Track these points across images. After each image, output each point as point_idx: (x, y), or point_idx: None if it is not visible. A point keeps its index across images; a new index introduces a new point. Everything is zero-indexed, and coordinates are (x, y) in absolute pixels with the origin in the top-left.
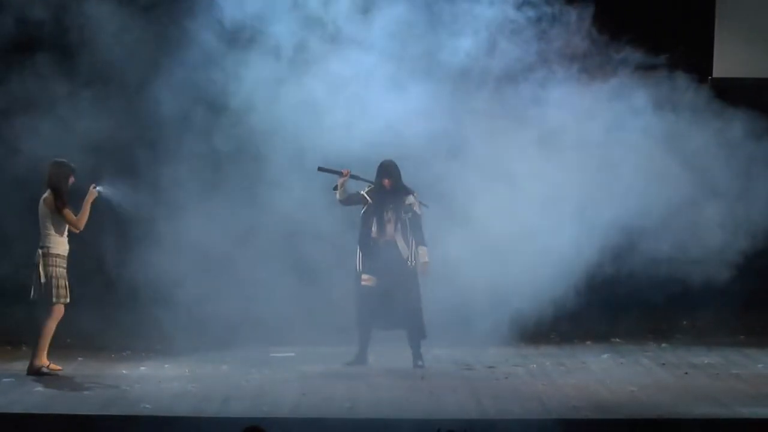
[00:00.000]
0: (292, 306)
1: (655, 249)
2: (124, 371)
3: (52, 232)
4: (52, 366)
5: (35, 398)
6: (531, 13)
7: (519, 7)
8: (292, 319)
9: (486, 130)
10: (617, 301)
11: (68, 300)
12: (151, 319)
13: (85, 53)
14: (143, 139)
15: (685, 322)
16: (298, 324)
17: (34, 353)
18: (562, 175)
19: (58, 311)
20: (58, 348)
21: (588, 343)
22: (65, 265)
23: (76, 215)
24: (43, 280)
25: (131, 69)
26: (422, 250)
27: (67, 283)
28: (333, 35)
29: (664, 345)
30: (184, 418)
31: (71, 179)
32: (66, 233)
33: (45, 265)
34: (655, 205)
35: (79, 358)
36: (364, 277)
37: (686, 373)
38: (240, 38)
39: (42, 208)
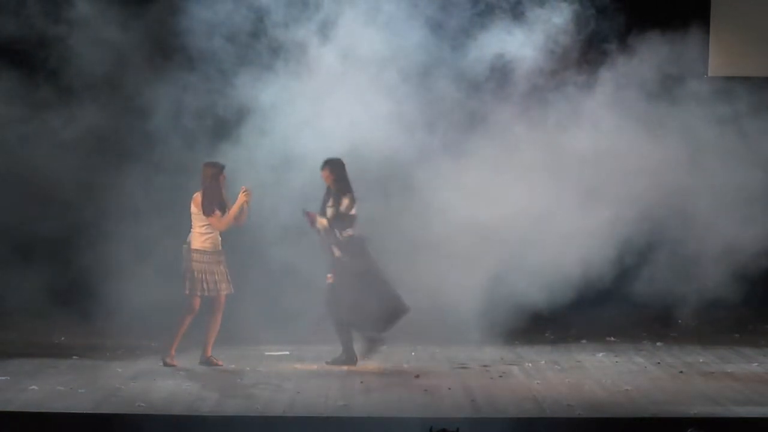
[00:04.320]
0: (288, 304)
1: (650, 248)
2: (118, 369)
3: (196, 229)
4: (169, 360)
5: (30, 397)
6: (522, 11)
7: (512, 7)
8: (286, 317)
9: (486, 128)
10: (612, 300)
11: (207, 293)
12: (146, 317)
13: (75, 59)
14: (136, 138)
15: (680, 321)
16: (293, 322)
17: (168, 344)
18: (558, 175)
19: (191, 304)
20: (52, 346)
21: (583, 341)
22: (208, 260)
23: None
24: (182, 273)
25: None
26: (322, 219)
27: (206, 277)
28: (325, 36)
29: (658, 344)
30: (179, 416)
31: (221, 178)
32: (201, 229)
33: (184, 260)
34: (650, 204)
35: (74, 357)
36: (328, 275)
37: (681, 371)
38: (230, 41)
39: (192, 205)
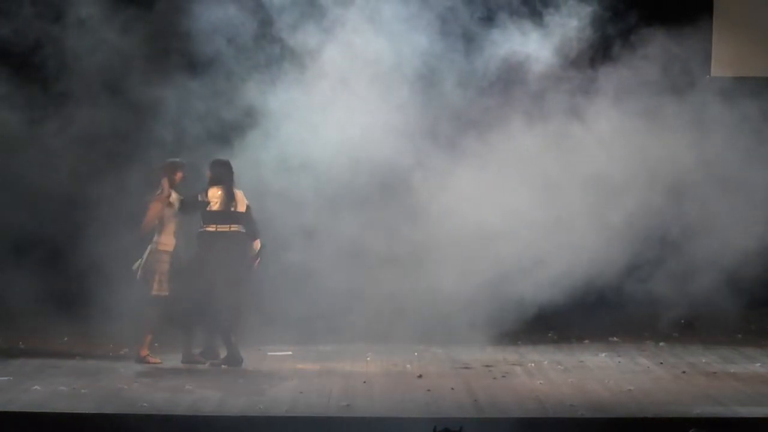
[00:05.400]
0: (289, 305)
1: (653, 248)
2: (121, 369)
3: (161, 228)
4: (151, 358)
5: (32, 397)
6: (524, 13)
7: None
8: (289, 317)
9: (488, 130)
10: (615, 300)
11: (166, 293)
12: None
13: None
14: (138, 141)
15: (682, 321)
16: (295, 322)
17: (140, 343)
18: (561, 176)
19: (158, 303)
20: (55, 346)
21: (586, 341)
22: (169, 260)
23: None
24: (141, 273)
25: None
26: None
27: (167, 278)
28: (330, 41)
29: (661, 344)
30: (181, 416)
31: (178, 176)
32: (173, 230)
33: (150, 261)
34: (653, 205)
35: (76, 357)
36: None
37: (684, 372)
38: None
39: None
